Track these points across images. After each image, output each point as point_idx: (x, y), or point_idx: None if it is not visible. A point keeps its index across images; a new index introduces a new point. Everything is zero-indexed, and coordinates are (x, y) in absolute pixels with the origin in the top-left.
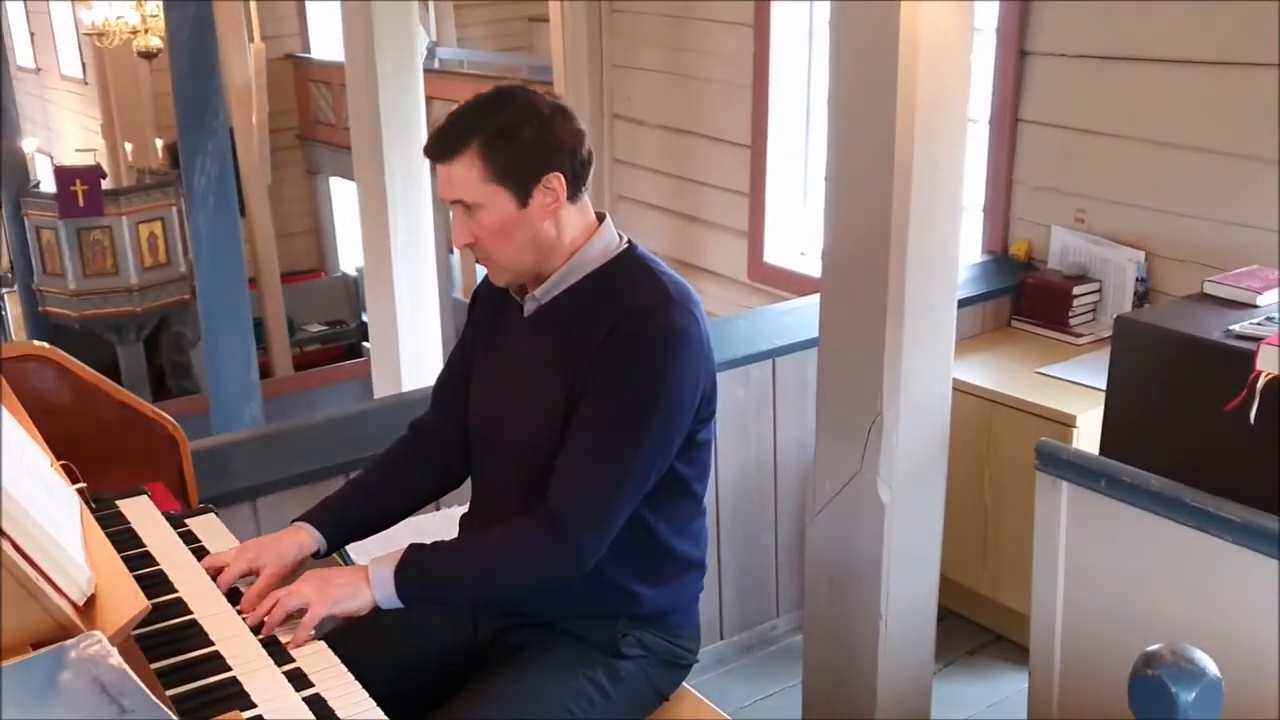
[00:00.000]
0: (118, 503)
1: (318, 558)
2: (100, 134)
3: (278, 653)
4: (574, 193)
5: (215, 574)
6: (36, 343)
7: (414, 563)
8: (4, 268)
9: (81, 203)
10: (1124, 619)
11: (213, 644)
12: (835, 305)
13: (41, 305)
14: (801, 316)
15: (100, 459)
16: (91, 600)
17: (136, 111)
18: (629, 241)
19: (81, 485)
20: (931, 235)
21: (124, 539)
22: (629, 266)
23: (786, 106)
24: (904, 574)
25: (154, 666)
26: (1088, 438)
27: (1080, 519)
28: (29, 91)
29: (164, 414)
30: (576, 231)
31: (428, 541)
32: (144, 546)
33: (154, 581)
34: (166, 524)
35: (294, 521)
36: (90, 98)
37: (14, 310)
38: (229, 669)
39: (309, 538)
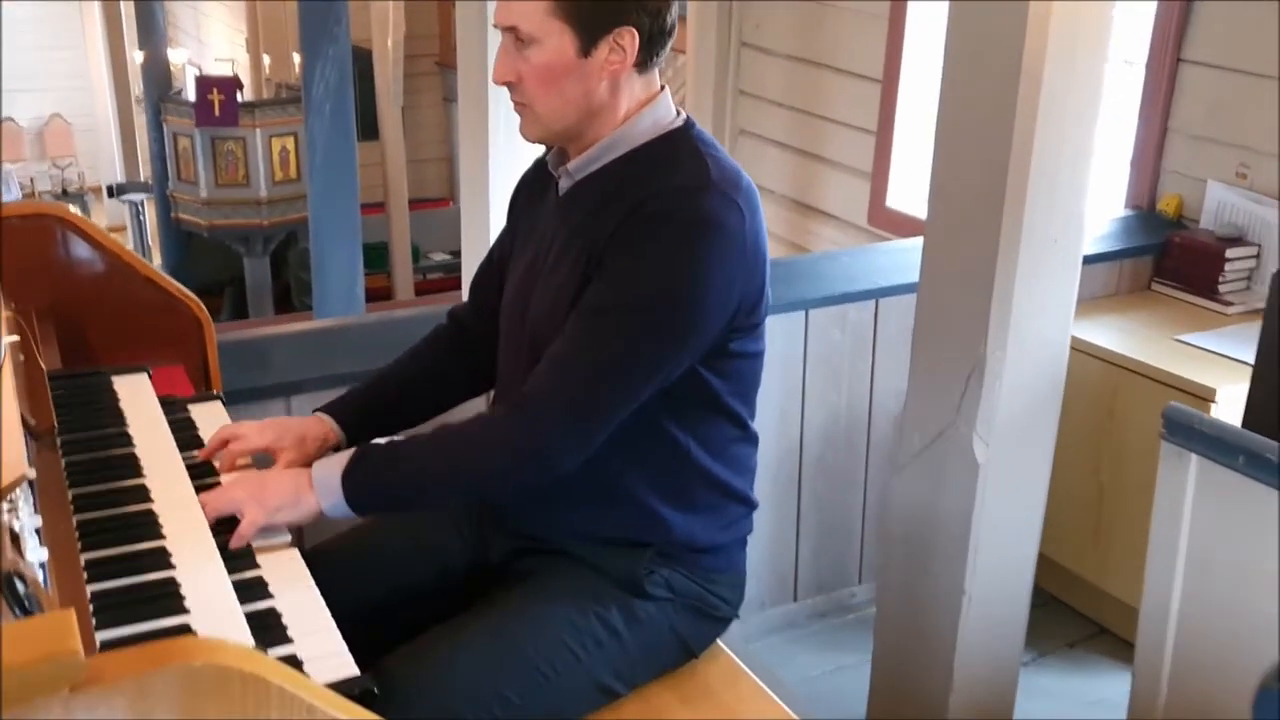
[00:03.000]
0: (113, 378)
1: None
2: (245, 47)
3: (238, 556)
4: (644, 59)
5: (224, 444)
6: (51, 202)
7: (364, 464)
8: (145, 176)
9: (217, 112)
10: (1250, 619)
11: (162, 538)
12: (941, 233)
13: (174, 212)
14: (912, 257)
15: (119, 333)
16: None
17: (279, 26)
18: (687, 118)
19: (13, 339)
20: (1059, 157)
21: (105, 415)
22: (677, 144)
23: (924, 36)
24: (996, 546)
25: (88, 556)
26: (1227, 414)
27: (1208, 500)
28: (184, 3)
29: (190, 295)
30: (632, 104)
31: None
32: (124, 426)
33: (121, 465)
34: (158, 406)
35: (315, 411)
36: (238, 10)
37: (151, 216)
38: (170, 567)
39: (329, 429)
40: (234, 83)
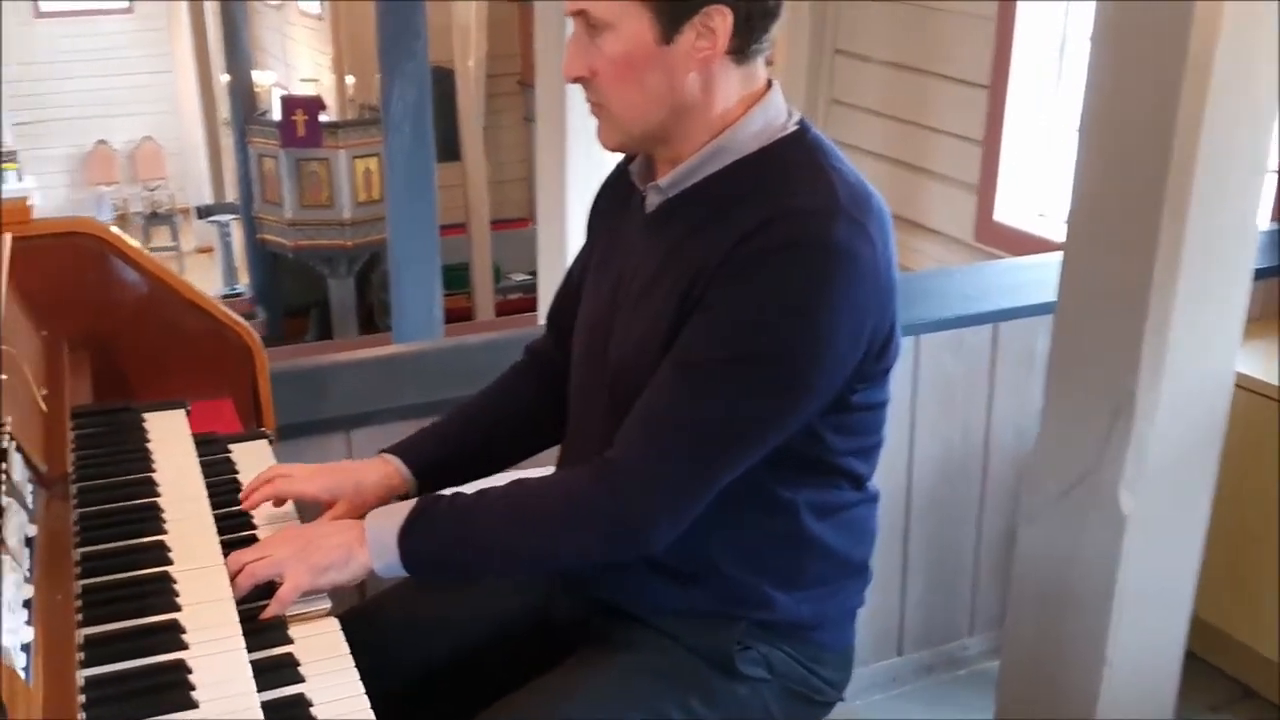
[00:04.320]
0: (145, 415)
1: (405, 499)
2: (330, 68)
3: (267, 629)
4: (742, 45)
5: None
6: (86, 218)
7: (424, 522)
8: (232, 197)
9: (301, 132)
10: None
11: (177, 609)
12: (1085, 248)
13: (259, 233)
14: (1036, 275)
15: (160, 364)
16: None
17: (363, 46)
18: (801, 122)
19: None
20: (1228, 160)
21: (130, 458)
22: (793, 154)
23: (1036, 39)
24: (1142, 608)
25: (89, 632)
26: None
27: None
28: (270, 26)
29: (240, 320)
30: (731, 102)
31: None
32: (150, 470)
33: (140, 517)
34: (192, 447)
35: (381, 452)
36: (323, 32)
37: (239, 237)
38: (182, 646)
39: (395, 474)
40: (317, 103)
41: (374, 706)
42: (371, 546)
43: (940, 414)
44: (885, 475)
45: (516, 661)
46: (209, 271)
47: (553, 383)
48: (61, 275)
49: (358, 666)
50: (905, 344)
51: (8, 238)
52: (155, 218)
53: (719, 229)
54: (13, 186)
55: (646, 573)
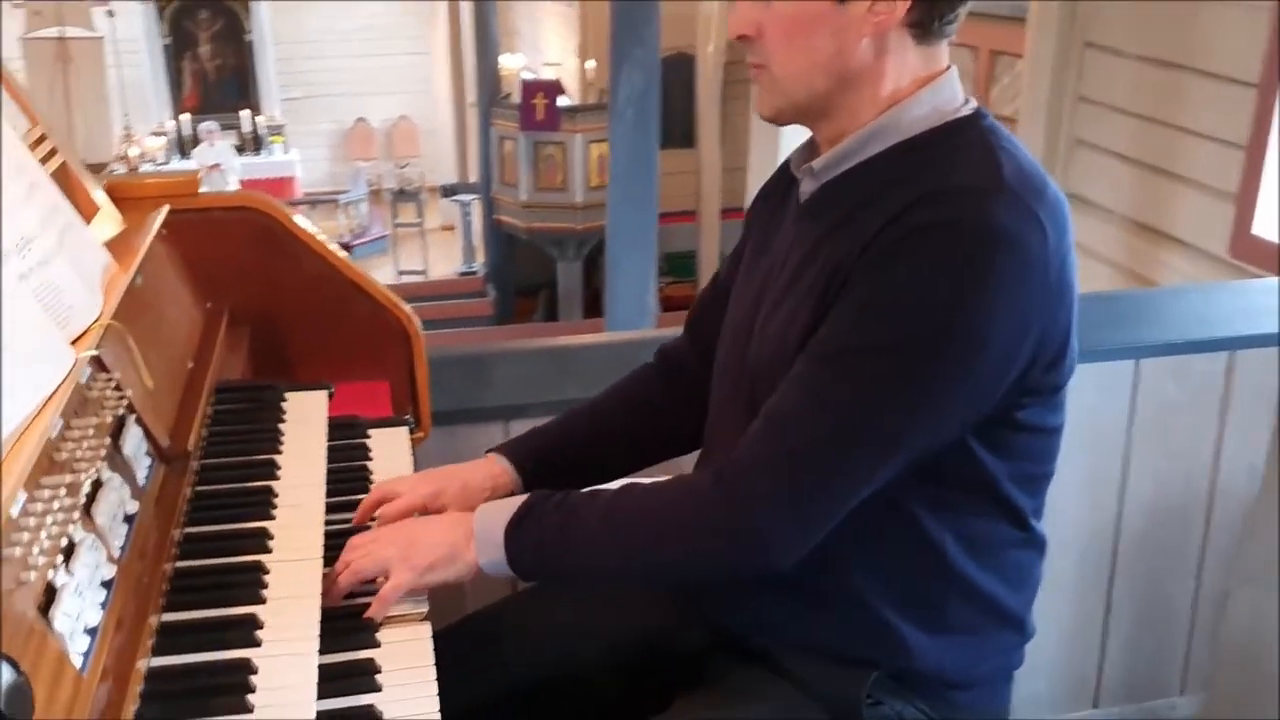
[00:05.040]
0: (288, 395)
1: None
2: (575, 53)
3: (355, 630)
4: (925, 19)
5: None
6: (254, 193)
7: (532, 519)
8: (475, 178)
9: (540, 116)
10: None
11: (261, 601)
12: None
13: (496, 214)
14: None
15: (320, 343)
16: None
17: (607, 31)
18: (978, 108)
19: (90, 353)
20: None
21: (261, 438)
22: (961, 137)
23: None
24: None
25: (166, 619)
26: None
27: None
28: (523, 12)
29: (401, 304)
30: (904, 81)
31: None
32: (276, 452)
33: (252, 501)
34: (325, 432)
35: (489, 451)
36: (571, 16)
37: (478, 217)
38: (254, 644)
39: (502, 474)
40: (556, 87)
41: (468, 718)
42: (478, 542)
43: (1158, 449)
44: (1091, 509)
45: (626, 690)
46: (449, 249)
47: (681, 390)
48: (228, 249)
49: (459, 674)
50: (1121, 368)
51: (164, 209)
52: (403, 194)
53: (869, 214)
54: (279, 158)
55: (775, 596)
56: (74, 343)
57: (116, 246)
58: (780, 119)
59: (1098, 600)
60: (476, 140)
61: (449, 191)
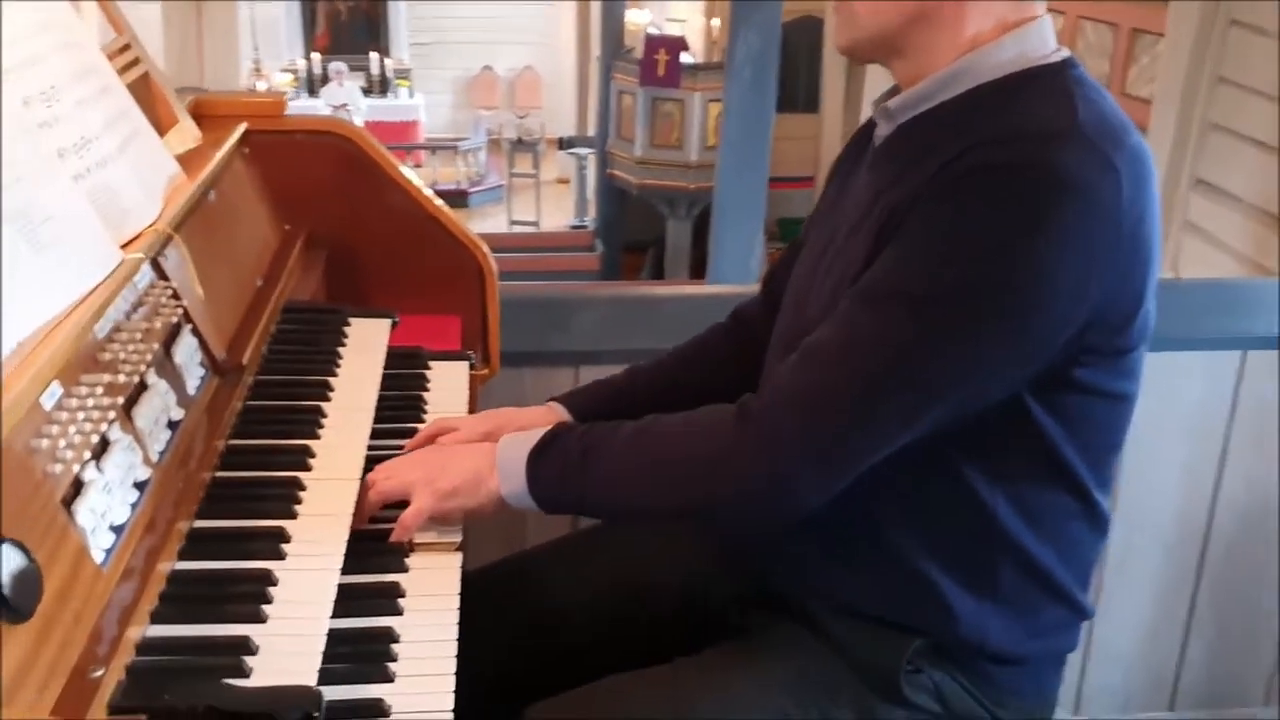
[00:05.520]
0: (352, 320)
1: None
2: (701, 11)
3: (387, 553)
4: None
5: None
6: (338, 119)
7: (555, 448)
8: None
9: (661, 72)
10: None
11: (293, 516)
12: None
13: (609, 168)
14: None
15: (395, 272)
16: None
17: None
18: (1068, 58)
19: (137, 256)
20: None
21: (319, 359)
22: (1042, 83)
23: None
24: None
25: (199, 525)
26: None
27: None
28: None
29: (476, 240)
30: (988, 25)
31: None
32: (332, 374)
33: (300, 419)
34: (381, 358)
35: (550, 400)
36: None
37: (594, 171)
38: (279, 556)
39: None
40: (679, 43)
41: (498, 657)
42: (500, 472)
43: (1257, 448)
44: (1183, 503)
45: (657, 640)
46: (563, 202)
47: (749, 350)
48: (311, 173)
49: (490, 614)
50: (1227, 359)
51: (241, 126)
52: (521, 144)
53: (933, 158)
54: (403, 102)
55: (813, 551)
56: (126, 245)
57: (189, 159)
58: (856, 53)
59: (1182, 597)
60: (597, 94)
61: (566, 144)
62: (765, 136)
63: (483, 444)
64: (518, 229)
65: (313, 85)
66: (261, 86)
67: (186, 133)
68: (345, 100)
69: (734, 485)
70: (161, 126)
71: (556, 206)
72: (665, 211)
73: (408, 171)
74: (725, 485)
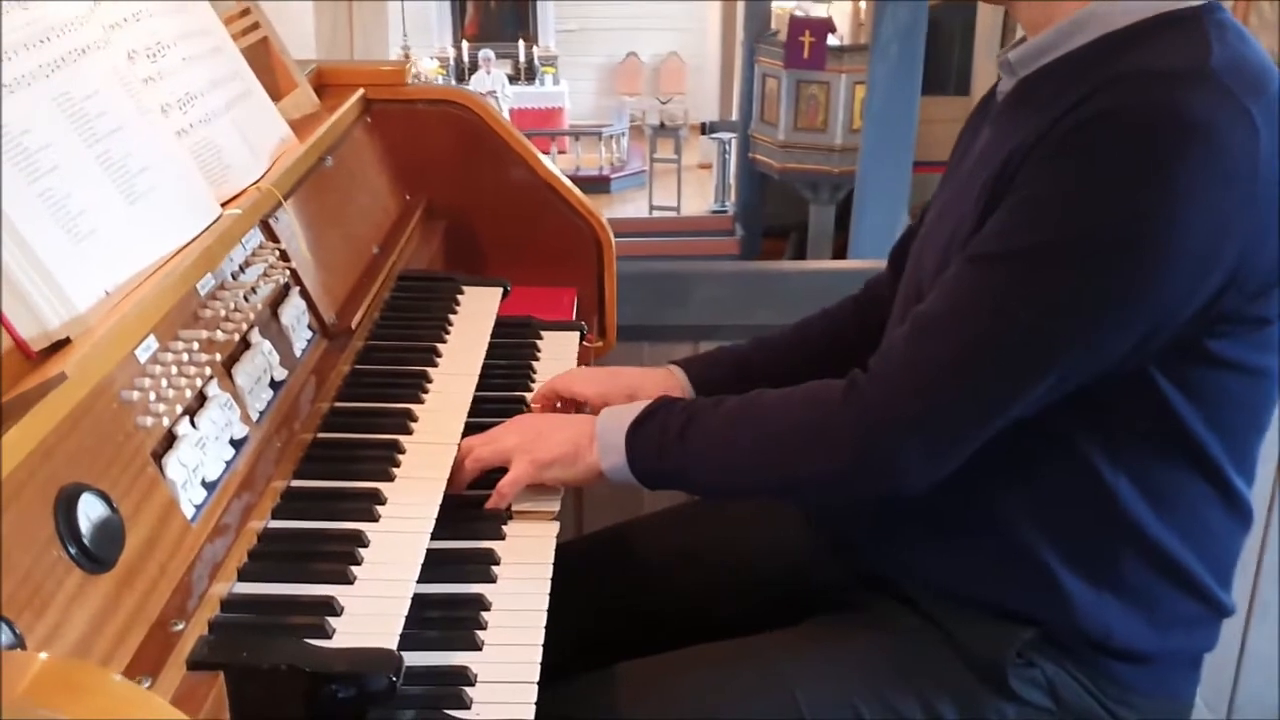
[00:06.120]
0: (465, 288)
1: None
2: None
3: (481, 520)
4: None
5: (555, 399)
6: (459, 88)
7: (655, 422)
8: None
9: (806, 54)
10: None
11: (389, 478)
12: None
13: (751, 151)
14: None
15: (512, 242)
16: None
17: None
18: (1210, 3)
19: (235, 212)
20: None
21: (428, 326)
22: (1178, 27)
23: None
24: None
25: (295, 484)
26: None
27: None
28: None
29: (594, 212)
30: None
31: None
32: (440, 341)
33: (405, 384)
34: (490, 326)
35: (670, 363)
36: None
37: (736, 155)
38: (372, 519)
39: (676, 387)
40: (826, 25)
41: (593, 620)
42: (600, 443)
43: None
44: None
45: (755, 614)
46: (704, 187)
47: (875, 323)
48: (432, 143)
49: (590, 576)
50: None
51: (358, 93)
52: (663, 129)
53: (1052, 106)
54: (549, 89)
55: (921, 530)
56: (229, 203)
57: (305, 125)
58: None
59: None
60: (740, 78)
61: (709, 129)
62: (910, 118)
63: (583, 415)
64: (658, 214)
65: (461, 73)
66: (410, 73)
67: (303, 98)
68: (492, 87)
69: (837, 459)
70: (279, 92)
71: (698, 192)
72: (808, 196)
73: (525, 139)
74: (828, 459)
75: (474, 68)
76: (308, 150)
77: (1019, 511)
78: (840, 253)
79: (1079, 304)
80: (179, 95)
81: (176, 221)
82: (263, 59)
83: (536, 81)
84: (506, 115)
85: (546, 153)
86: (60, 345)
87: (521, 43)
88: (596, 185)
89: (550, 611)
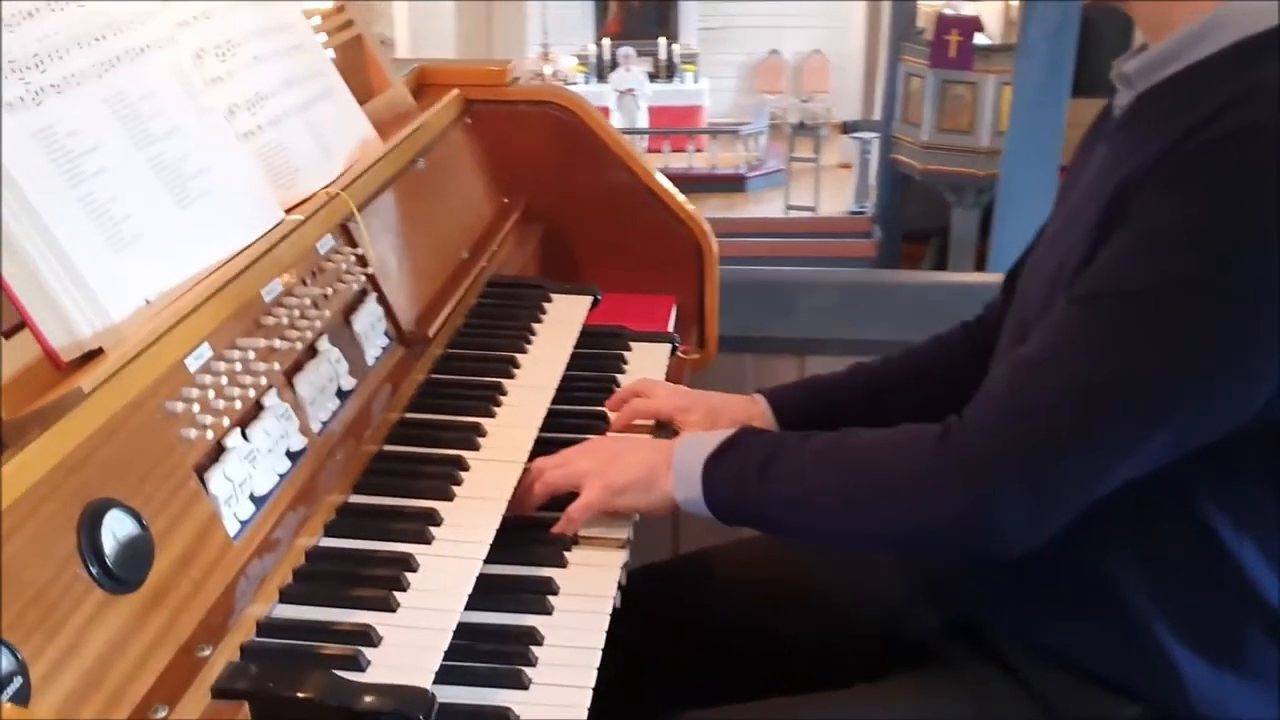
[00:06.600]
0: (553, 295)
1: None
2: None
3: (544, 544)
4: None
5: (633, 416)
6: (560, 88)
7: (735, 455)
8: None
9: (952, 53)
10: None
11: (448, 498)
12: None
13: (892, 152)
14: None
15: (610, 247)
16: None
17: None
18: None
19: (296, 219)
20: None
21: (510, 335)
22: None
23: None
24: None
25: (353, 500)
26: None
27: None
28: None
29: (696, 216)
30: None
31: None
32: (520, 351)
33: (478, 396)
34: (574, 336)
35: (757, 391)
36: None
37: (877, 156)
38: (425, 540)
39: (759, 416)
40: (973, 24)
41: (660, 656)
42: (676, 472)
43: None
44: None
45: (835, 662)
46: (842, 188)
47: (986, 355)
48: (531, 144)
49: (659, 608)
50: None
51: (452, 93)
52: (802, 128)
53: (1173, 123)
54: (688, 86)
55: (1021, 588)
56: (297, 207)
57: (393, 125)
58: None
59: None
60: (883, 77)
61: (850, 128)
62: (1058, 120)
63: (661, 440)
64: (794, 214)
65: (601, 70)
66: (549, 71)
67: (397, 98)
68: (632, 85)
69: (926, 513)
70: (371, 91)
71: (836, 192)
72: (951, 199)
73: (627, 141)
74: (917, 513)
75: (614, 65)
76: (391, 151)
77: (1129, 577)
78: (983, 260)
79: (1203, 353)
80: (248, 95)
81: (233, 226)
82: (356, 57)
83: (676, 79)
84: (644, 113)
85: (683, 150)
86: (94, 355)
87: (663, 40)
88: (732, 184)
89: (614, 637)
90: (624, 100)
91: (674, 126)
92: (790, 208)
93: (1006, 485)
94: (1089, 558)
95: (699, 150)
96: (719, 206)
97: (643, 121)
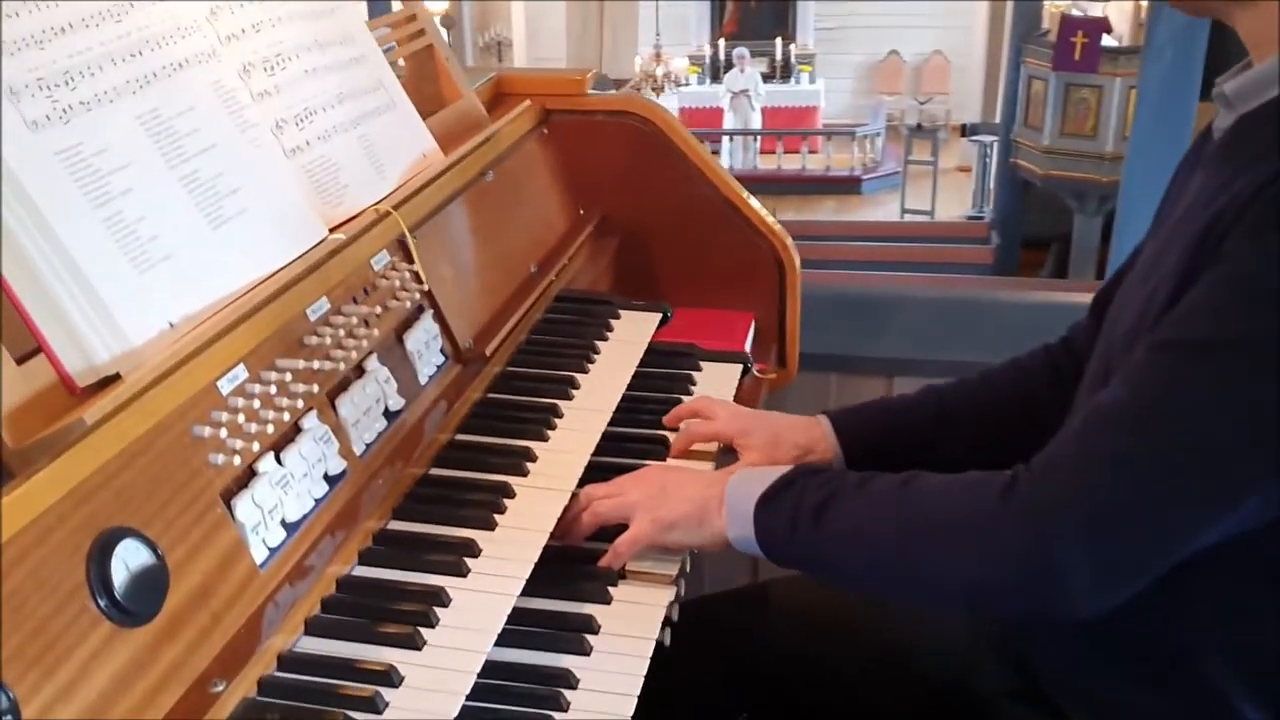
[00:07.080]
0: (622, 313)
1: None
2: None
3: (588, 579)
4: None
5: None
6: (638, 97)
7: (789, 495)
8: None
9: (1077, 56)
10: None
11: (490, 526)
12: None
13: (1013, 156)
14: None
15: (689, 262)
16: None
17: None
18: None
19: (337, 237)
20: None
21: (573, 354)
22: None
23: None
24: None
25: (391, 527)
26: None
27: None
28: None
29: (778, 229)
30: None
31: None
32: (581, 371)
33: (532, 418)
34: (639, 355)
35: (822, 413)
36: None
37: (997, 160)
38: (460, 573)
39: (821, 440)
40: (1101, 25)
41: (711, 691)
42: (729, 510)
43: None
44: None
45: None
46: (960, 191)
47: (1069, 383)
48: (608, 154)
49: (710, 655)
50: None
51: (524, 104)
52: (920, 130)
53: (1268, 158)
54: (804, 87)
55: (1095, 655)
56: (343, 225)
57: (462, 136)
58: (1195, 10)
59: None
60: (1005, 79)
61: (969, 131)
62: (1186, 125)
63: (715, 473)
64: (910, 218)
65: (715, 71)
66: (660, 72)
67: (467, 109)
68: (745, 86)
69: (988, 566)
70: (443, 101)
71: (954, 196)
72: (1073, 205)
73: (706, 151)
74: (979, 568)
75: (729, 66)
76: (454, 165)
77: (1209, 647)
78: (1104, 269)
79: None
80: (296, 110)
81: (270, 245)
82: (427, 67)
83: (792, 80)
84: (758, 114)
85: (797, 152)
86: (113, 380)
87: (779, 41)
88: (847, 186)
89: (664, 666)
90: (738, 101)
91: (789, 127)
92: (906, 211)
93: (1070, 546)
94: (1166, 627)
95: (813, 151)
96: (833, 209)
97: (756, 122)
